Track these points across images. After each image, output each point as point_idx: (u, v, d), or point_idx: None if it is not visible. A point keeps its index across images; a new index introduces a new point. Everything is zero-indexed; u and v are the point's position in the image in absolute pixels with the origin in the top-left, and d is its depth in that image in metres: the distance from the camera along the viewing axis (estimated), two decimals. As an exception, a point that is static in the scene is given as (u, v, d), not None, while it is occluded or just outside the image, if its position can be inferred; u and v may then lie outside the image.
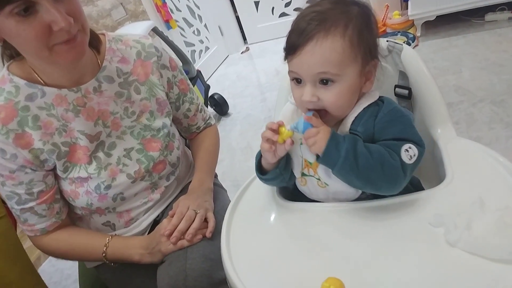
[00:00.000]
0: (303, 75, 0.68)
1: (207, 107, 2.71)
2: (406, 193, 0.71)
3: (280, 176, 0.76)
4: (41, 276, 1.09)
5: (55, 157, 0.85)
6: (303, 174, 0.76)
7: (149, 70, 0.95)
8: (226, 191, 1.18)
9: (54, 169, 0.87)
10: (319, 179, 0.74)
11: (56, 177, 0.89)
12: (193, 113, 1.08)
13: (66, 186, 0.89)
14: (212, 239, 0.87)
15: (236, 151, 2.45)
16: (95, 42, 0.89)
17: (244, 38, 4.25)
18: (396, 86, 0.88)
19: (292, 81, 0.72)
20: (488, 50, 2.48)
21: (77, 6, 0.75)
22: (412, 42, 2.83)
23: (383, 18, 3.18)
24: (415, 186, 0.79)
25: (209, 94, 2.78)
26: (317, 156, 0.68)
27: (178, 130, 1.08)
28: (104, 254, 0.90)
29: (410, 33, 2.96)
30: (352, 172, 0.64)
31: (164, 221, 0.89)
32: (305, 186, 0.77)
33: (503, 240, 0.56)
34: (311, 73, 0.67)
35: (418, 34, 2.94)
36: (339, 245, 0.66)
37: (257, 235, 0.75)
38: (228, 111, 2.92)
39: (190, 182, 1.06)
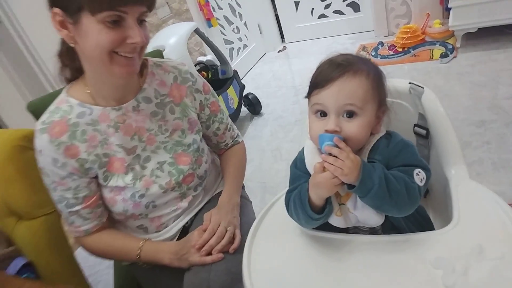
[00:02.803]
0: (330, 106, 0.75)
1: (241, 106, 2.81)
2: (416, 224, 0.81)
3: (330, 211, 0.79)
4: (79, 264, 1.23)
5: (97, 166, 0.96)
6: (340, 204, 0.81)
7: (183, 94, 1.06)
8: (251, 202, 1.27)
9: (96, 178, 0.99)
10: (348, 208, 0.80)
11: (99, 185, 1.00)
12: (222, 132, 1.18)
13: (106, 194, 1.00)
14: (235, 253, 0.96)
15: (265, 152, 2.54)
16: (141, 67, 0.99)
17: (282, 37, 4.31)
18: (415, 125, 0.94)
19: (315, 114, 0.79)
20: (528, 68, 2.43)
21: (148, 35, 0.89)
22: (451, 54, 2.81)
23: (423, 26, 3.15)
24: (421, 215, 0.86)
25: (244, 94, 2.88)
26: (349, 186, 0.74)
27: (208, 146, 1.18)
28: (138, 256, 1.01)
29: (449, 43, 2.93)
30: (384, 198, 0.71)
31: (195, 234, 0.99)
32: (341, 216, 0.80)
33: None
34: (338, 104, 0.74)
35: (458, 45, 2.90)
36: (351, 275, 0.74)
37: (277, 256, 0.83)
38: (261, 111, 3.01)
39: (218, 192, 1.17)
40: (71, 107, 0.95)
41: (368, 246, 0.78)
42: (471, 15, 2.70)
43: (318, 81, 0.77)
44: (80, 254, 2.01)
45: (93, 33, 0.81)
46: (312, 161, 0.81)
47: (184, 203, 1.08)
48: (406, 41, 3.12)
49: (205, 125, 1.14)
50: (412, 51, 3.06)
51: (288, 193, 0.85)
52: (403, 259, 0.73)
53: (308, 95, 0.81)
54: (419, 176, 0.74)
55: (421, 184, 0.74)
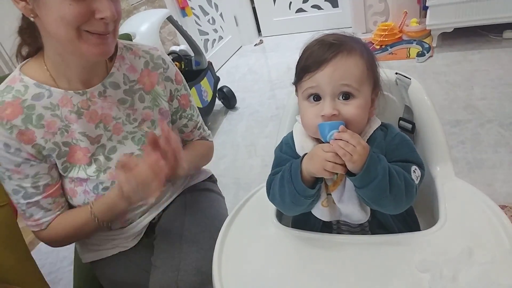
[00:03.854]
0: (325, 88, 0.70)
1: (215, 99, 2.72)
2: (403, 222, 0.77)
3: (318, 196, 0.74)
4: (36, 262, 1.12)
5: (55, 156, 0.87)
6: (328, 194, 0.75)
7: (154, 81, 0.98)
8: (224, 198, 1.20)
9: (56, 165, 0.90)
10: (333, 199, 0.74)
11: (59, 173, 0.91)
12: (190, 130, 1.09)
13: (66, 184, 0.92)
14: (206, 252, 0.88)
15: (240, 147, 2.46)
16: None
17: (259, 30, 4.23)
18: (400, 119, 0.88)
19: (307, 99, 0.73)
20: (502, 69, 2.46)
21: (120, 11, 0.80)
22: (427, 53, 2.81)
23: (400, 24, 3.15)
24: (409, 214, 0.82)
25: (218, 87, 2.79)
26: (349, 173, 0.67)
27: None
28: (96, 219, 0.90)
29: (425, 42, 2.94)
30: (384, 191, 0.66)
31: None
32: (326, 207, 0.75)
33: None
34: (334, 85, 0.69)
35: (434, 44, 2.91)
36: (331, 277, 0.68)
37: (251, 256, 0.76)
38: (236, 105, 2.93)
39: (189, 187, 1.09)
40: (26, 87, 0.84)
41: (350, 247, 0.72)
42: (448, 15, 2.71)
43: (309, 64, 0.71)
44: (41, 251, 1.87)
45: (54, 5, 0.72)
46: (302, 143, 0.77)
47: (151, 199, 0.98)
48: (384, 39, 3.10)
49: (171, 119, 1.05)
50: (389, 49, 3.04)
51: (271, 176, 0.78)
52: (388, 261, 0.67)
53: (297, 81, 0.74)
54: (415, 174, 0.70)
55: (416, 182, 0.69)
